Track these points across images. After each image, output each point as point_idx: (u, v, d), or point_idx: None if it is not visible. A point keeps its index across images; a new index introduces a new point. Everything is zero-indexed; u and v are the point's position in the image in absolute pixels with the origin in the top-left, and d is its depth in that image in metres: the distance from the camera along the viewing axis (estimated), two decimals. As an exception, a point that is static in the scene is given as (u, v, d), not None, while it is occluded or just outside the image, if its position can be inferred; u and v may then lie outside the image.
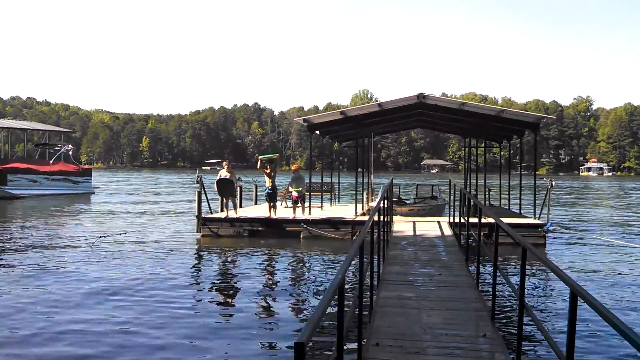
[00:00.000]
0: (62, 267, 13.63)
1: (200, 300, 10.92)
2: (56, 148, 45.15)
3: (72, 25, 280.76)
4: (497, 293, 7.26)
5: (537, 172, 21.33)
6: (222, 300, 10.83)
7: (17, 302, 10.30)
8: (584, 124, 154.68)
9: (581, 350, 7.61)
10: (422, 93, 18.74)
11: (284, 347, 7.98)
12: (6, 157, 44.56)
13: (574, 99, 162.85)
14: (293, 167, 20.03)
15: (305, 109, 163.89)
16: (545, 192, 18.63)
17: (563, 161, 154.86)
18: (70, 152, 45.85)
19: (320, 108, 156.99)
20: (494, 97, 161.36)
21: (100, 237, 17.61)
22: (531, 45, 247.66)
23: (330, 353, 6.84)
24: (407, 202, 23.36)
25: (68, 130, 66.80)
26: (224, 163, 19.97)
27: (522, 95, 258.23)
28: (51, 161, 42.35)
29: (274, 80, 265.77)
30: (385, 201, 11.28)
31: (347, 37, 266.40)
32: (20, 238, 18.92)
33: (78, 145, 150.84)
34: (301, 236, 17.95)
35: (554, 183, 18.83)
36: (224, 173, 18.92)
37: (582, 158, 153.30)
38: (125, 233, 19.10)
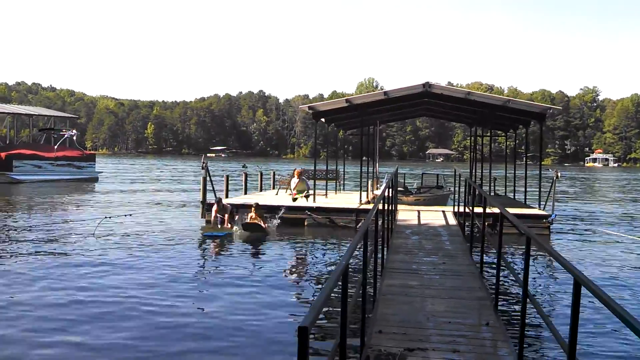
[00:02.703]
0: (68, 248, 13.70)
1: (204, 284, 10.98)
2: (61, 133, 45.28)
3: (77, 11, 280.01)
4: (500, 282, 7.28)
5: (542, 163, 21.28)
6: (224, 286, 10.86)
7: (23, 283, 10.38)
8: (590, 114, 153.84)
9: (584, 338, 7.63)
10: (428, 82, 18.68)
11: (287, 331, 8.04)
12: (12, 143, 44.70)
13: (581, 89, 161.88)
14: (296, 172, 19.72)
15: (311, 97, 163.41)
16: (550, 183, 18.60)
17: (568, 152, 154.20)
18: (75, 138, 45.97)
19: (326, 96, 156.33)
20: (500, 87, 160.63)
21: (105, 217, 17.70)
22: (538, 35, 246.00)
23: (334, 339, 6.87)
24: (413, 191, 23.35)
25: (73, 115, 67.02)
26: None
27: (528, 85, 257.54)
28: (56, 147, 42.46)
29: (279, 67, 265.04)
30: (390, 190, 11.28)
31: (352, 25, 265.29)
32: (24, 222, 19.01)
33: (83, 131, 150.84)
34: (305, 223, 17.97)
35: (559, 174, 18.78)
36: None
37: (587, 149, 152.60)
38: (130, 215, 19.18)
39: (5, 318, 8.50)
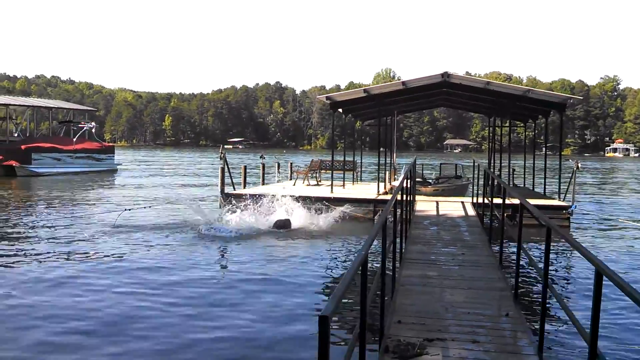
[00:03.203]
0: (88, 241, 13.86)
1: (223, 273, 11.07)
2: (80, 126, 45.64)
3: (96, 4, 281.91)
4: (519, 273, 7.23)
5: (562, 153, 21.05)
6: (244, 275, 10.93)
7: (43, 274, 10.53)
8: (611, 103, 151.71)
9: (605, 329, 7.56)
10: (446, 72, 18.54)
11: (308, 320, 8.10)
12: (31, 135, 45.18)
13: (601, 78, 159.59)
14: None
15: (327, 87, 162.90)
16: (570, 174, 18.41)
17: (588, 142, 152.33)
18: (94, 130, 46.31)
19: (342, 87, 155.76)
20: (519, 77, 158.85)
21: (125, 209, 17.84)
22: (557, 24, 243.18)
23: (353, 328, 6.89)
24: (431, 181, 23.24)
25: (92, 108, 67.51)
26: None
27: (547, 74, 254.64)
28: (75, 139, 42.81)
29: (295, 59, 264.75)
30: (408, 180, 11.24)
31: (369, 15, 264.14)
32: (44, 213, 19.24)
33: (102, 124, 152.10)
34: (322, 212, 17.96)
35: (580, 164, 18.57)
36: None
37: (608, 139, 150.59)
38: (150, 207, 19.31)
39: (23, 309, 8.64)
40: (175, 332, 7.70)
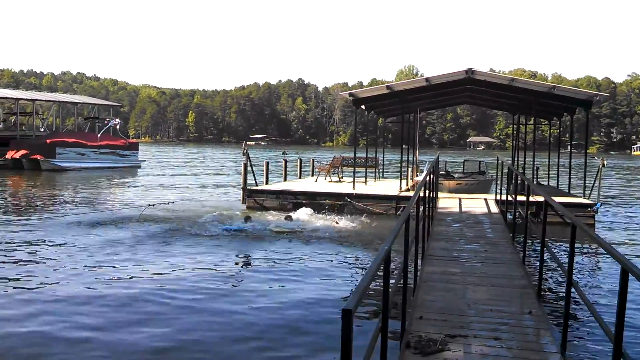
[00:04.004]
0: (111, 236, 14.05)
1: (246, 268, 11.15)
2: (105, 122, 46.19)
3: (122, 1, 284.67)
4: (543, 271, 7.17)
5: (587, 151, 20.78)
6: (267, 269, 11.00)
7: (66, 270, 10.71)
8: (638, 101, 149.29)
9: (631, 328, 7.47)
10: (470, 68, 18.40)
11: (331, 313, 8.14)
12: (57, 130, 45.85)
13: (628, 75, 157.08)
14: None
15: (350, 84, 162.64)
16: (596, 172, 18.18)
17: (615, 140, 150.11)
18: (118, 126, 46.80)
19: (365, 84, 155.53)
20: (544, 74, 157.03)
21: (149, 205, 18.03)
22: (583, 20, 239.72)
23: (375, 323, 6.90)
24: (454, 175, 23.09)
25: (116, 104, 68.20)
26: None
27: (572, 71, 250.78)
28: (99, 135, 43.33)
29: (318, 55, 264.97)
30: (431, 177, 11.20)
31: (392, 11, 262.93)
32: (68, 207, 19.53)
33: (126, 120, 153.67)
34: (345, 210, 18.00)
35: (605, 162, 18.32)
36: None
37: (635, 137, 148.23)
38: (173, 202, 19.50)
39: (43, 300, 8.81)
40: (191, 324, 7.80)
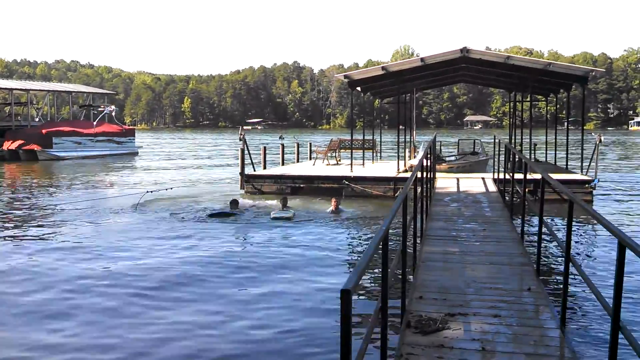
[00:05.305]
0: (110, 223, 14.06)
1: (245, 251, 11.17)
2: (100, 109, 46.01)
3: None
4: (541, 249, 7.20)
5: (584, 127, 20.76)
6: (266, 252, 11.03)
7: (66, 257, 10.73)
8: (635, 76, 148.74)
9: (629, 302, 7.53)
10: (465, 47, 18.30)
11: (330, 293, 8.18)
12: (52, 120, 45.66)
13: (624, 50, 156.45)
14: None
15: (345, 66, 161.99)
16: (593, 148, 18.19)
17: (611, 115, 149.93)
18: (114, 114, 46.65)
19: (361, 65, 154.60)
20: (540, 51, 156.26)
21: (147, 191, 18.04)
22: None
23: (374, 304, 6.94)
24: (446, 158, 23.04)
25: (111, 92, 68.04)
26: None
27: (568, 48, 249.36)
28: (95, 123, 43.18)
29: (313, 38, 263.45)
30: (429, 157, 11.20)
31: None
32: (66, 196, 19.51)
33: (122, 107, 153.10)
34: (343, 193, 18.01)
35: (602, 138, 18.31)
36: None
37: (631, 112, 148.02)
38: (172, 189, 19.50)
39: (45, 286, 8.84)
40: (192, 310, 7.83)
